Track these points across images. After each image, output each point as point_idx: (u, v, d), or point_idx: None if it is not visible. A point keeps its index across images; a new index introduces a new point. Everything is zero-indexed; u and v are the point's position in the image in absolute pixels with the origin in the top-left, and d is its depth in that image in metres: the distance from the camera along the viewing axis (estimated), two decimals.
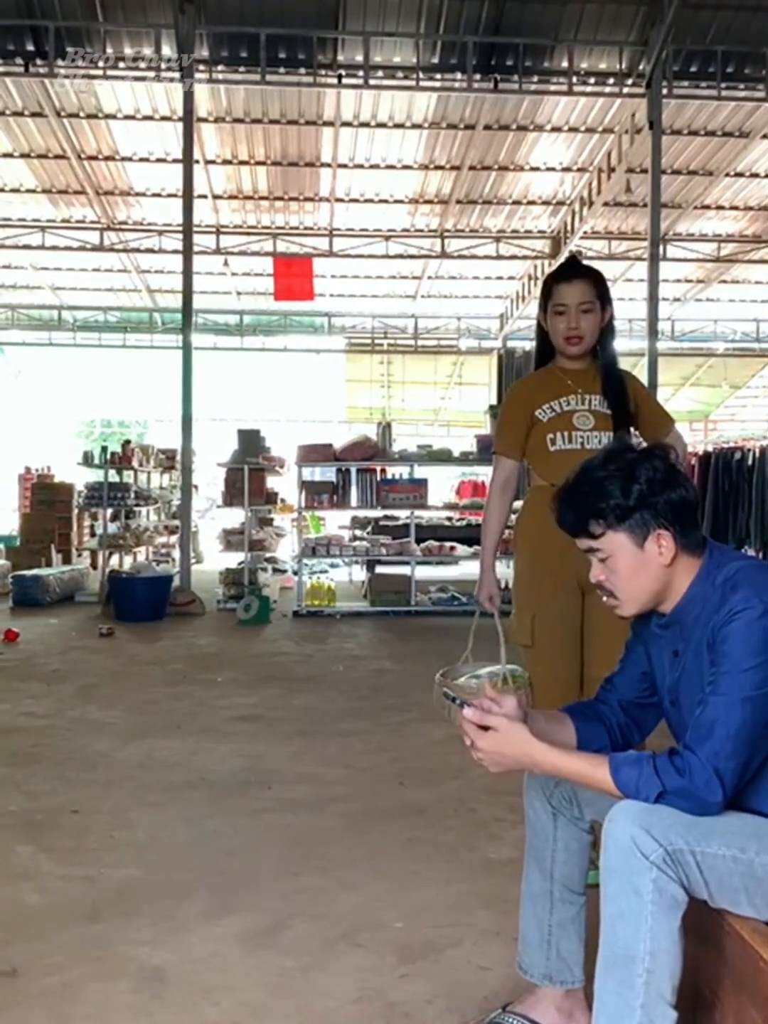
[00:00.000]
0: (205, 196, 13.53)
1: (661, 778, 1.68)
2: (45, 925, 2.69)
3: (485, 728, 1.81)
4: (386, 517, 11.49)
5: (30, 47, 10.54)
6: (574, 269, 3.14)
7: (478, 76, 10.79)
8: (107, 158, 12.94)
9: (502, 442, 3.23)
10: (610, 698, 2.08)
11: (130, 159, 12.94)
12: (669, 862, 1.64)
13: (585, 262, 3.28)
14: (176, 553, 12.45)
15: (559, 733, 1.99)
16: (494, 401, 11.80)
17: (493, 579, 3.23)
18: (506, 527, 3.33)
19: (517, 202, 14.34)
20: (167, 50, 10.36)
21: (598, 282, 3.09)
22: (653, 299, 10.88)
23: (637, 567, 1.84)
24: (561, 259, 15.03)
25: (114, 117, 11.87)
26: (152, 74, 10.47)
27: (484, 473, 16.39)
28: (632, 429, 3.12)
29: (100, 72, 10.52)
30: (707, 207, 14.47)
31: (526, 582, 3.10)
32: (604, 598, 1.93)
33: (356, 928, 2.67)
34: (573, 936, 2.07)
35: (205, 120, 11.83)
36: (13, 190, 13.80)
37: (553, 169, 13.42)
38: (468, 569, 11.12)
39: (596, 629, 2.94)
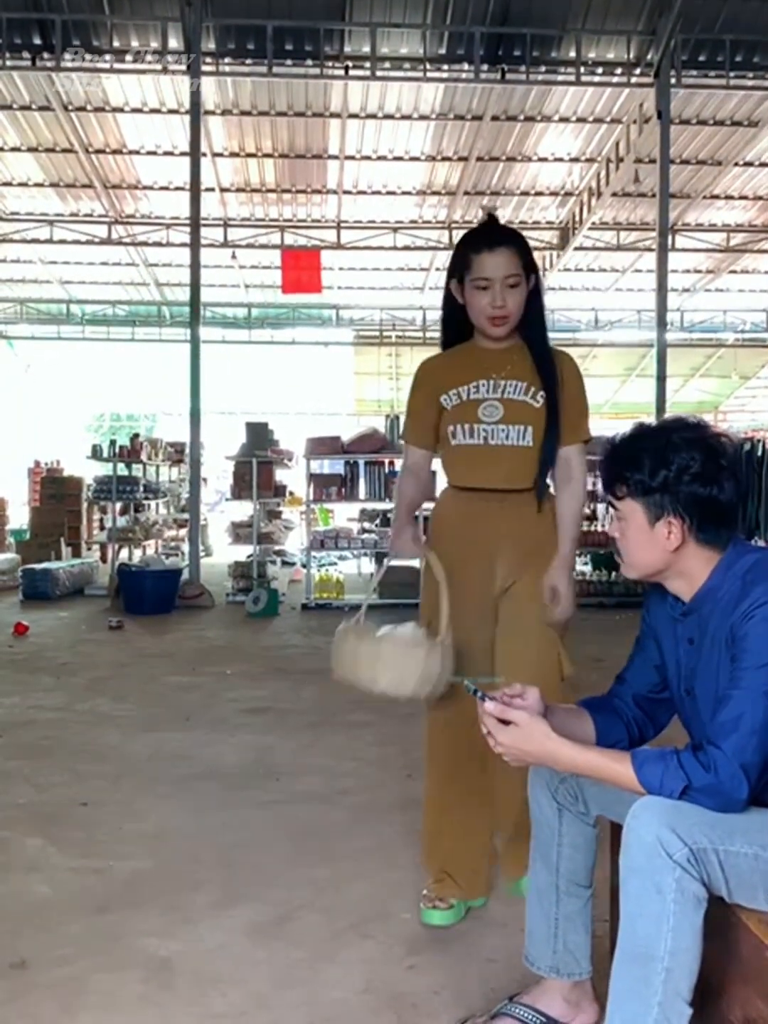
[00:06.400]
0: (212, 189, 13.50)
1: (686, 773, 1.66)
2: (54, 916, 2.70)
3: (506, 722, 1.79)
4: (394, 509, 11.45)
5: (37, 41, 10.53)
6: (496, 235, 2.60)
7: (485, 67, 10.73)
8: (114, 151, 12.94)
9: (406, 429, 2.85)
10: (623, 692, 2.07)
11: (137, 152, 12.93)
12: (693, 861, 1.62)
13: (506, 224, 2.80)
14: (185, 546, 12.48)
15: (577, 727, 1.96)
16: None
17: (411, 528, 2.87)
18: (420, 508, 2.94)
19: (525, 193, 14.29)
20: (174, 43, 10.38)
21: (524, 249, 2.60)
22: (662, 289, 10.86)
23: (643, 541, 1.86)
24: (568, 250, 15.13)
25: (121, 110, 11.86)
26: (159, 67, 10.47)
27: None
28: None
29: (107, 66, 10.53)
30: (716, 197, 14.39)
31: (431, 592, 2.66)
32: (616, 553, 1.96)
33: (364, 919, 2.68)
34: (580, 928, 2.07)
35: (212, 113, 11.80)
36: (21, 184, 13.83)
37: (561, 160, 13.37)
38: None
39: (504, 633, 2.69)
